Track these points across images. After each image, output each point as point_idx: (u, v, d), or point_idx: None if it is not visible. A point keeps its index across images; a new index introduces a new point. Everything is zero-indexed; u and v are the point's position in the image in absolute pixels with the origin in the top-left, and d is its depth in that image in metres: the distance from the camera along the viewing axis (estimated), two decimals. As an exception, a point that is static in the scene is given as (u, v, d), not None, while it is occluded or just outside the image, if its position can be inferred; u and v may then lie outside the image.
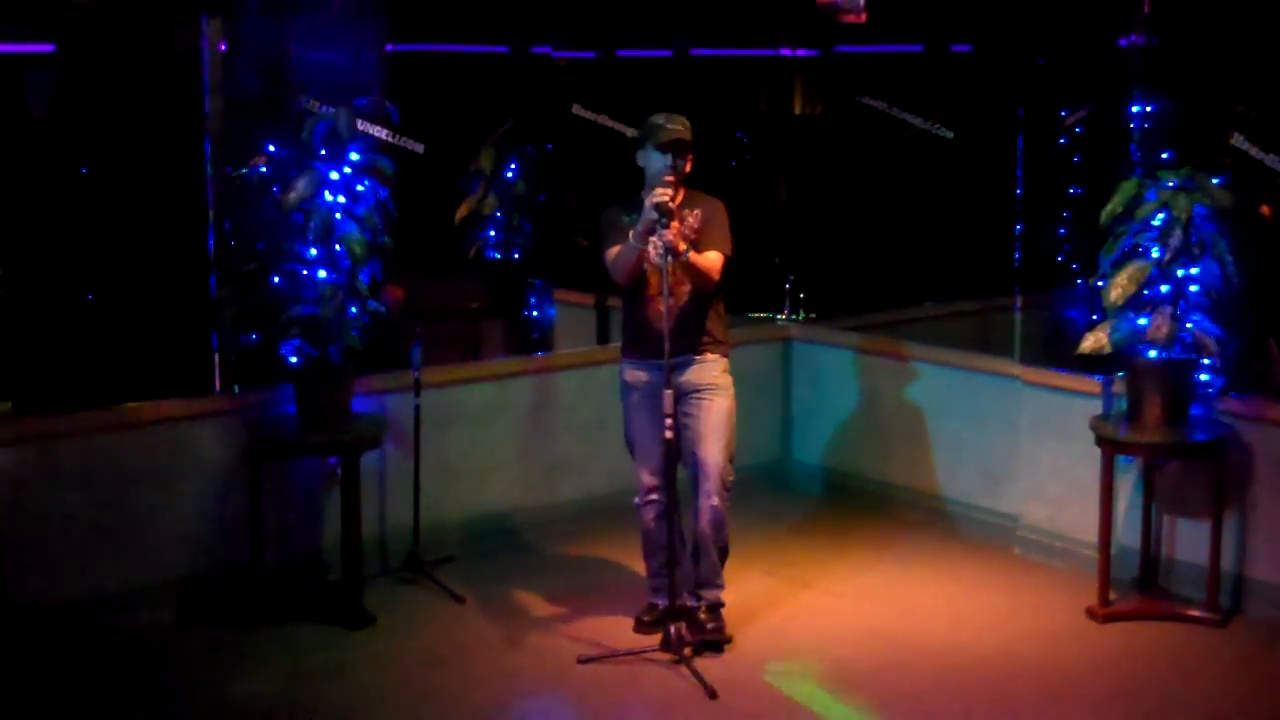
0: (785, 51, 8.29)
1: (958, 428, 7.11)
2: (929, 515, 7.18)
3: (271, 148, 5.99)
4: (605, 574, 6.48)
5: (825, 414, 7.76)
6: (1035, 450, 6.71)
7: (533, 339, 7.69)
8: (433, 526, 6.54)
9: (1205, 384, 5.98)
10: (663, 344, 5.35)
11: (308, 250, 5.86)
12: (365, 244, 5.88)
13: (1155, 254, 5.80)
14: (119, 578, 5.84)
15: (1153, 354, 5.83)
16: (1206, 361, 5.92)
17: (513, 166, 7.56)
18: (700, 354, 5.60)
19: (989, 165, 7.42)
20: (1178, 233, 5.73)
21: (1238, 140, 6.05)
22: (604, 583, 6.35)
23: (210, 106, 6.18)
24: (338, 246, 5.86)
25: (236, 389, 6.21)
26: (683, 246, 5.41)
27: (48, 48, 6.30)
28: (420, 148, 6.67)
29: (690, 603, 5.64)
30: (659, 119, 5.57)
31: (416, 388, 6.39)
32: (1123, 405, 6.11)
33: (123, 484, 5.87)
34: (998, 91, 7.45)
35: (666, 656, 5.46)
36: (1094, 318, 6.14)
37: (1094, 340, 5.92)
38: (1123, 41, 6.42)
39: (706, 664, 5.42)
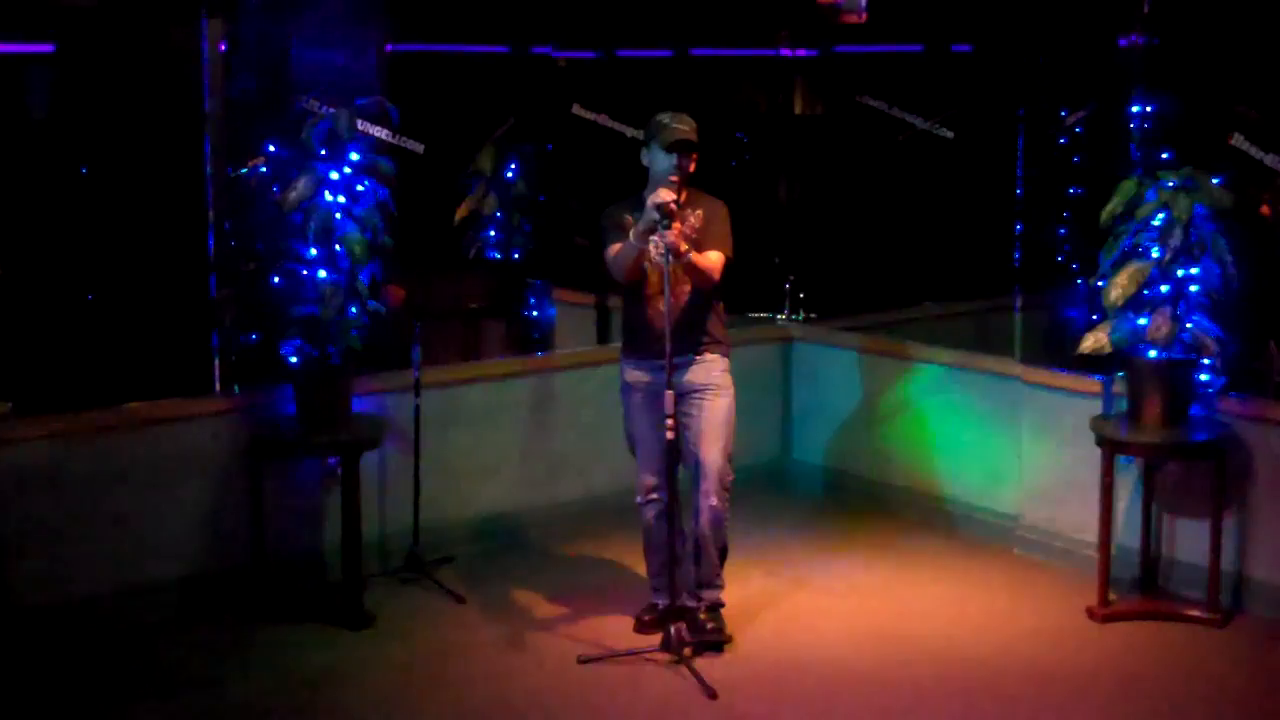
0: (785, 51, 8.29)
1: (958, 428, 7.11)
2: (929, 515, 7.17)
3: (271, 148, 6.00)
4: (605, 574, 6.48)
5: (825, 414, 7.76)
6: (1035, 450, 6.71)
7: (533, 339, 7.67)
8: (433, 526, 6.54)
9: (1205, 384, 5.98)
10: (663, 344, 5.34)
11: (308, 250, 5.86)
12: (365, 244, 5.87)
13: (1155, 254, 5.80)
14: (119, 578, 5.84)
15: (1153, 354, 5.83)
16: (1206, 361, 5.91)
17: (513, 166, 7.55)
18: (700, 354, 5.59)
19: (989, 165, 7.42)
20: (1178, 233, 5.73)
21: (1238, 140, 6.04)
22: (604, 583, 6.35)
23: (210, 106, 6.17)
24: (338, 246, 5.85)
25: (236, 389, 6.21)
26: (684, 247, 5.40)
27: (48, 48, 6.30)
28: (420, 148, 6.66)
29: (690, 603, 5.64)
30: (665, 118, 5.51)
31: (416, 388, 6.39)
32: (1123, 405, 6.11)
33: (122, 484, 5.86)
34: (998, 91, 7.44)
35: (666, 656, 5.46)
36: (1094, 318, 6.14)
37: (1094, 340, 5.92)
38: (1123, 41, 6.42)
39: (706, 664, 5.42)
